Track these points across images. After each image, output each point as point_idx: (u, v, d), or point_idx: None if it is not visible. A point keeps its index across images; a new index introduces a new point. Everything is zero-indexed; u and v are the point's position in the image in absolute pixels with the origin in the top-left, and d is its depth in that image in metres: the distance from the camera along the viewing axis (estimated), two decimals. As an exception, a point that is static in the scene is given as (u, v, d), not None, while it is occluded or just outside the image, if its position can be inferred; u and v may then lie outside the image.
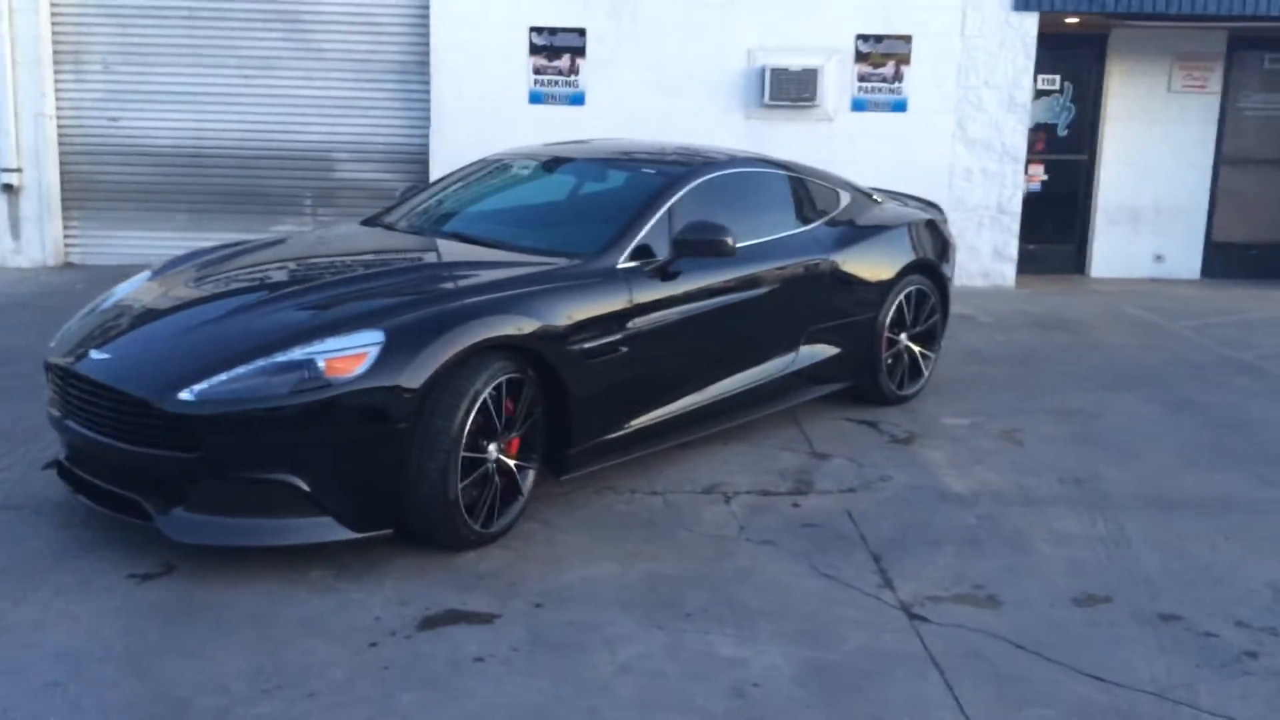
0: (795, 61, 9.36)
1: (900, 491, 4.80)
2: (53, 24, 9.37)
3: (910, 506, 4.63)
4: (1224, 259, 10.70)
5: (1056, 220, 10.63)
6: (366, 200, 9.27)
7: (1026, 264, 10.24)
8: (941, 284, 6.19)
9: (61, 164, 9.57)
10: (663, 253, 4.73)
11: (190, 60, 9.54)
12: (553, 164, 5.67)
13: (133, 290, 4.60)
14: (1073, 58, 10.37)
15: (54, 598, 3.60)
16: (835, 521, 4.44)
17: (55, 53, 9.41)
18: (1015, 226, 9.86)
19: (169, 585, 3.72)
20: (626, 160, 5.50)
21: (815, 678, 3.27)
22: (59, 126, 9.51)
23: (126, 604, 3.59)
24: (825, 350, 5.58)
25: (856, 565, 4.05)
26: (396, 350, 3.78)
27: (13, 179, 9.33)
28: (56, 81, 9.46)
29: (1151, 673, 3.37)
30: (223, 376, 3.70)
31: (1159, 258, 10.65)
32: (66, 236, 9.72)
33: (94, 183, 9.68)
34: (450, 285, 4.27)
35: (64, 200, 9.64)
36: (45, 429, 4.56)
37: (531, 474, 4.25)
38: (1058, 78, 10.37)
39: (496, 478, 4.06)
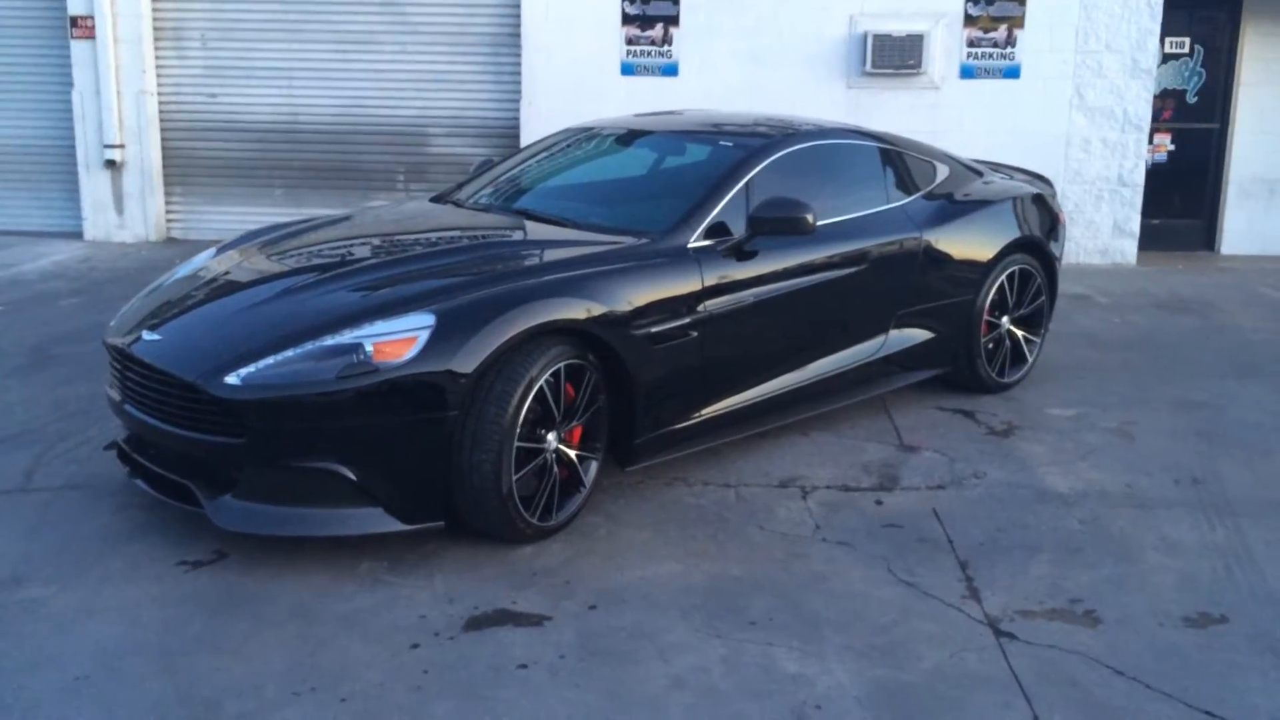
0: (899, 27, 8.88)
1: (994, 490, 4.43)
2: (153, 1, 9.46)
3: (1005, 507, 4.27)
4: (1372, 235, 9.88)
5: (1184, 193, 9.93)
6: (458, 175, 9.12)
7: (1150, 240, 9.60)
8: (1049, 264, 5.73)
9: (163, 140, 9.71)
10: (739, 231, 4.44)
11: (286, 36, 9.56)
12: (631, 137, 5.40)
13: (193, 268, 4.52)
14: (1204, 19, 9.62)
15: (101, 585, 3.52)
16: (920, 522, 4.11)
17: (155, 30, 9.53)
18: (1137, 200, 9.25)
19: (217, 574, 3.62)
20: (706, 132, 5.20)
21: (885, 701, 2.98)
22: (159, 103, 9.64)
23: (172, 593, 3.49)
24: (918, 334, 5.21)
25: (940, 572, 3.72)
26: (447, 334, 3.58)
27: (115, 155, 9.49)
28: (157, 58, 9.58)
29: (1271, 708, 2.98)
30: (270, 360, 3.56)
31: (1299, 234, 9.88)
32: (168, 211, 9.87)
33: (194, 158, 9.80)
34: (508, 266, 4.06)
35: (165, 176, 9.78)
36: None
37: (595, 465, 4.03)
38: (1187, 40, 9.64)
39: (556, 469, 3.86)
